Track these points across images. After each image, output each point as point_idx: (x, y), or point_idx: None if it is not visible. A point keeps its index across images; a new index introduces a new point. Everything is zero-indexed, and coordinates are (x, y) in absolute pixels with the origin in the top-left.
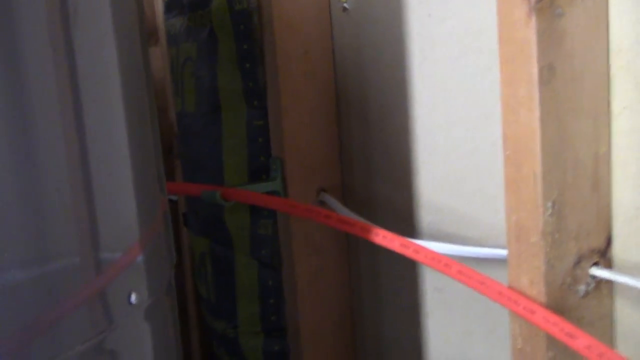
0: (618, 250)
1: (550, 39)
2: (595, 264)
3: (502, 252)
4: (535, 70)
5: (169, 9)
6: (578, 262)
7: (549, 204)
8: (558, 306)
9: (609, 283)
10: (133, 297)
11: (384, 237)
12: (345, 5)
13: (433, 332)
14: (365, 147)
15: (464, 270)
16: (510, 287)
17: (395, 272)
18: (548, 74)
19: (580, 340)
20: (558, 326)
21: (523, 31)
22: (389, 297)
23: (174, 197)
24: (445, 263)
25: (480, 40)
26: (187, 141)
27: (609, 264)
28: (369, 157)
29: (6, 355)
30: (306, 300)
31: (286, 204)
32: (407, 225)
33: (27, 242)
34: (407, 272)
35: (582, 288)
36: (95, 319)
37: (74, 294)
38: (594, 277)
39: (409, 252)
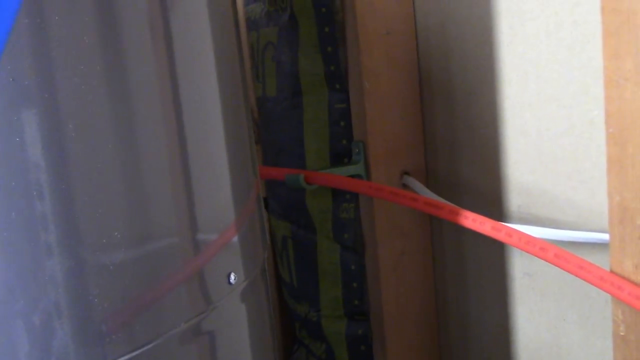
0: None
1: None
2: None
3: (601, 236)
4: None
5: None
6: None
7: None
8: None
9: None
10: (232, 277)
11: (473, 221)
12: None
13: (523, 318)
14: (449, 128)
15: (561, 254)
16: (613, 272)
17: (482, 256)
18: None
19: None
20: None
21: (630, 1)
22: (475, 282)
23: None
24: (540, 247)
25: (576, 13)
26: (268, 126)
27: None
28: (454, 139)
29: (113, 330)
30: (390, 284)
31: (372, 187)
32: (495, 209)
33: (132, 222)
34: (494, 256)
35: None
36: (195, 300)
37: (175, 273)
38: None
39: (500, 236)
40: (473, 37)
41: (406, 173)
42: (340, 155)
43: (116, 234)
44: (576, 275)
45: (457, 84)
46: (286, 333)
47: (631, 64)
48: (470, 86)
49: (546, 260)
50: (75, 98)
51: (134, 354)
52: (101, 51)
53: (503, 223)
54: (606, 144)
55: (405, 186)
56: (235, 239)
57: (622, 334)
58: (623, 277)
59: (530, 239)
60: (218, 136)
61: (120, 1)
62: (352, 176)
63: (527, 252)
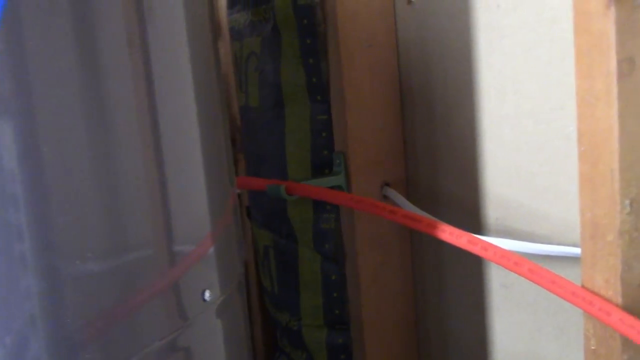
0: None
1: (630, 30)
2: None
3: (574, 250)
4: (613, 63)
5: (232, 4)
6: None
7: (627, 202)
8: (635, 307)
9: None
10: (207, 294)
11: (450, 234)
12: None
13: (500, 329)
14: (429, 140)
15: (534, 269)
16: (584, 287)
17: (461, 267)
18: (628, 67)
19: None
20: (635, 329)
21: (601, 22)
22: (454, 293)
23: (237, 190)
24: (515, 261)
25: (553, 31)
26: (251, 135)
27: None
28: (434, 151)
29: (89, 345)
30: (369, 294)
31: (352, 200)
32: (473, 221)
33: (105, 233)
34: (472, 267)
35: None
36: (171, 316)
37: (150, 285)
38: None
39: (476, 250)
40: (453, 51)
41: (387, 184)
42: (321, 166)
43: (91, 244)
44: (549, 290)
45: (438, 97)
46: (268, 341)
47: (602, 84)
48: (450, 99)
49: (520, 275)
50: (52, 109)
51: None
52: (78, 66)
53: (479, 236)
54: (578, 162)
55: (385, 197)
56: (211, 252)
57: (593, 347)
58: (594, 293)
59: (505, 253)
60: (194, 147)
61: (97, 10)
62: (333, 187)
63: (502, 265)
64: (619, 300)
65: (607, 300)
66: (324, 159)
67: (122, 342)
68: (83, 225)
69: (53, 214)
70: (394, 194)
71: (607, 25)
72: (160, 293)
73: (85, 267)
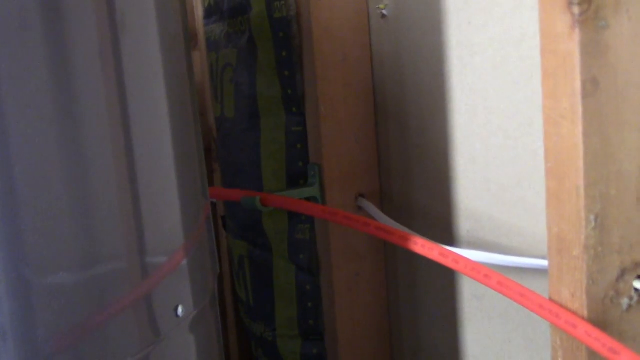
0: None
1: (594, 51)
2: (639, 277)
3: (543, 263)
4: (578, 83)
5: (208, 14)
6: (621, 276)
7: (592, 218)
8: (600, 320)
9: None
10: (180, 310)
11: (422, 246)
12: (383, 12)
13: (471, 340)
14: (403, 153)
15: (504, 281)
16: (551, 300)
17: (433, 278)
18: (591, 87)
19: (623, 356)
20: (600, 341)
21: (566, 44)
22: (427, 304)
23: (213, 200)
24: (485, 274)
25: (522, 49)
26: (226, 146)
27: None
28: (407, 164)
29: (56, 356)
30: (344, 305)
31: (325, 212)
32: (446, 233)
33: (76, 245)
34: (445, 279)
35: (625, 302)
36: (143, 331)
37: (123, 298)
38: (637, 290)
39: (448, 262)
40: (426, 67)
41: (361, 195)
42: (296, 177)
43: (62, 256)
44: (517, 302)
45: (411, 111)
46: (243, 352)
47: (567, 103)
48: (423, 113)
49: (490, 287)
50: (23, 123)
51: None
52: (50, 78)
53: (451, 249)
54: (545, 178)
55: (360, 208)
56: (184, 265)
57: (560, 359)
58: (561, 305)
59: (475, 266)
60: (167, 159)
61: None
62: (308, 198)
63: (472, 278)
64: (585, 313)
65: (574, 313)
66: (299, 170)
67: (94, 357)
68: (54, 237)
69: (24, 226)
70: (368, 206)
71: (572, 46)
72: (133, 307)
73: (56, 279)
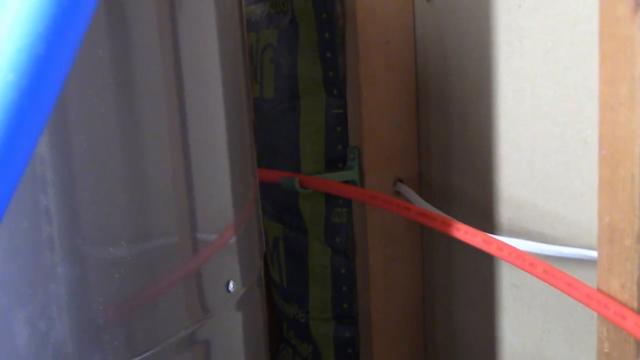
0: None
1: None
2: None
3: (589, 253)
4: (638, 68)
5: None
6: None
7: None
8: None
9: None
10: (231, 285)
11: (465, 233)
12: None
13: (509, 329)
14: (444, 138)
15: (550, 270)
16: (599, 290)
17: (470, 265)
18: None
19: None
20: None
21: (627, 28)
22: (463, 291)
23: None
24: (530, 262)
25: (574, 33)
26: (264, 127)
27: None
28: (448, 149)
29: (112, 333)
30: (379, 289)
31: (366, 195)
32: (486, 220)
33: (131, 219)
34: (482, 266)
35: None
36: (193, 308)
37: (173, 272)
38: None
39: (491, 249)
40: (471, 51)
41: (400, 180)
42: (335, 160)
43: (117, 230)
44: (564, 292)
45: (454, 96)
46: (272, 331)
47: (626, 89)
48: (467, 98)
49: (535, 276)
50: (84, 100)
51: None
52: (110, 59)
53: (494, 236)
54: (598, 166)
55: (398, 193)
56: (234, 242)
57: (606, 351)
58: (609, 296)
59: (520, 254)
60: (220, 137)
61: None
62: (346, 182)
63: (517, 266)
64: (635, 304)
65: (623, 304)
66: (338, 153)
67: (146, 332)
68: (110, 211)
69: (81, 199)
70: (406, 190)
71: (633, 30)
72: (184, 282)
73: (111, 252)
